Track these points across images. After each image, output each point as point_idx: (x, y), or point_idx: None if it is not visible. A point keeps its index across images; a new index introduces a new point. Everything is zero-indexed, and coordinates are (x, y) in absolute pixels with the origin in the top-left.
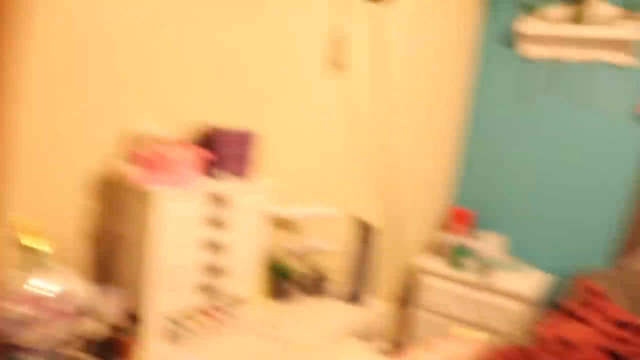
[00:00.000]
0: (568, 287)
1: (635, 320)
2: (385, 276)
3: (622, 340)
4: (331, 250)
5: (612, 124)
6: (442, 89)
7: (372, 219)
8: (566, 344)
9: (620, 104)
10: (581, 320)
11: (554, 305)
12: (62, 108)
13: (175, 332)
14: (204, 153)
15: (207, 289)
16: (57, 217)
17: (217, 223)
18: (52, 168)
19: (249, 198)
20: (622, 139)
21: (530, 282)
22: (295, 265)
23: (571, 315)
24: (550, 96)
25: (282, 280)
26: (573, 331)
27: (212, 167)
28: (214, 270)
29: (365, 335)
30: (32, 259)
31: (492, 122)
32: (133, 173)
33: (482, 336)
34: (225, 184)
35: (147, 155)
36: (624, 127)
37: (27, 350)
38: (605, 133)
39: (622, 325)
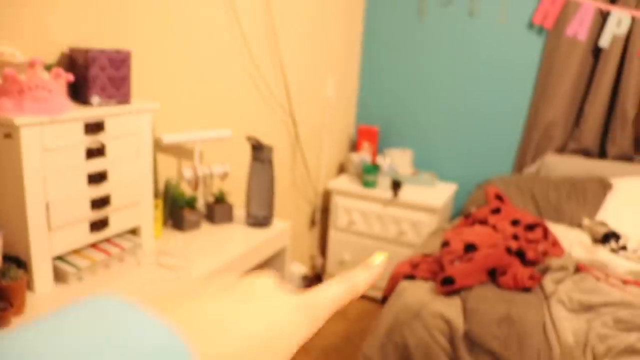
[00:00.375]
0: (474, 195)
1: (532, 219)
2: (296, 198)
3: (516, 237)
4: (229, 173)
5: (511, 34)
6: (337, 4)
7: (273, 139)
8: (469, 247)
9: (518, 14)
10: (485, 223)
11: (462, 214)
12: None
13: (64, 271)
14: (73, 77)
15: (96, 223)
16: None
17: (95, 151)
18: None
19: (129, 123)
20: (521, 47)
21: (439, 193)
22: (193, 192)
23: (476, 220)
24: (447, 9)
25: (180, 209)
26: (476, 234)
27: (85, 91)
28: (100, 202)
29: (274, 258)
30: None
31: (388, 37)
32: None
33: (383, 257)
34: (100, 109)
35: (6, 83)
36: (523, 36)
37: None
38: (505, 44)
39: (521, 224)
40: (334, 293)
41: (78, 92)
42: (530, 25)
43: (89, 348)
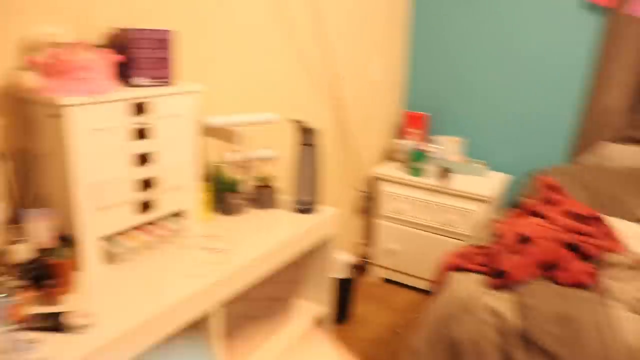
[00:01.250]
0: (526, 185)
1: (588, 212)
2: (342, 185)
3: (576, 231)
4: (275, 158)
5: (563, 13)
6: None
7: (319, 124)
8: (523, 239)
9: None
10: (538, 215)
11: (514, 205)
12: None
13: (111, 251)
14: (118, 57)
15: (142, 205)
16: None
17: (141, 133)
18: None
19: (174, 104)
20: (575, 29)
21: (490, 183)
22: (238, 176)
23: (529, 211)
24: None
25: (225, 193)
26: (529, 226)
27: (128, 72)
28: (146, 184)
29: (320, 245)
30: None
31: (435, 18)
32: (39, 84)
33: None
34: (145, 90)
35: (52, 63)
36: (576, 16)
37: None
38: (558, 23)
39: (576, 216)
40: None
41: (123, 73)
42: (585, 5)
43: None
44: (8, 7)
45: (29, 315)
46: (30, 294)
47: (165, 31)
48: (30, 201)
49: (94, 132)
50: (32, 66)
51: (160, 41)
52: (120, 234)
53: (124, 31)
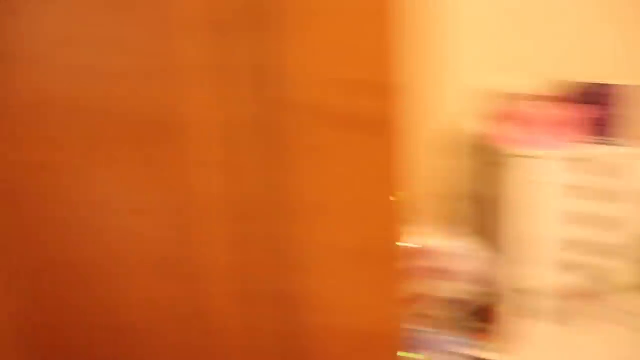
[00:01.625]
0: None
1: None
2: None
3: None
4: None
5: None
6: None
7: None
8: None
9: None
10: None
11: None
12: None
13: (554, 311)
14: (582, 112)
15: (586, 269)
16: (413, 175)
17: (599, 194)
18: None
19: (625, 168)
20: None
21: None
22: None
23: None
24: None
25: None
26: None
27: (591, 129)
28: (594, 248)
29: None
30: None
31: None
32: (495, 132)
33: None
34: (610, 149)
35: (509, 113)
36: None
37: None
38: None
39: None
40: None
41: (585, 129)
42: None
43: None
44: (459, 58)
45: (469, 356)
46: (470, 335)
47: (632, 89)
48: (479, 242)
49: (546, 186)
50: (495, 116)
51: (623, 99)
52: (560, 294)
53: (590, 85)
